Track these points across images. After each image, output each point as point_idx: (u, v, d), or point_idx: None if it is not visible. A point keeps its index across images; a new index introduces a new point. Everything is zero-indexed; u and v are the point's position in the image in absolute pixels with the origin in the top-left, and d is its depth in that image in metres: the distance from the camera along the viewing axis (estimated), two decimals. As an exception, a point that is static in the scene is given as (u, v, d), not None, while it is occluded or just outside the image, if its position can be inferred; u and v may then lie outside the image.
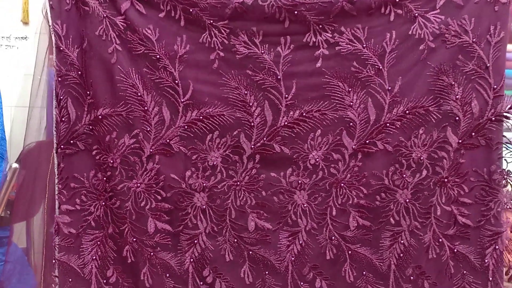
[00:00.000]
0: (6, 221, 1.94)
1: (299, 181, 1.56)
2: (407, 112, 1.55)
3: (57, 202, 1.54)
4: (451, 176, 1.57)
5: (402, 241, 1.56)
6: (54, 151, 1.55)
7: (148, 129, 1.53)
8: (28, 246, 2.17)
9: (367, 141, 1.56)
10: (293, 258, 1.56)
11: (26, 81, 2.34)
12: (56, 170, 1.55)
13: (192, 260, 1.55)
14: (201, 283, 1.55)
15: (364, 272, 1.57)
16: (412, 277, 1.57)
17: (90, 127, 1.55)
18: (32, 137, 2.07)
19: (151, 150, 1.53)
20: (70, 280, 1.53)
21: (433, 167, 1.56)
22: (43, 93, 2.42)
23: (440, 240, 1.57)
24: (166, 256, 1.55)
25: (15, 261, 2.00)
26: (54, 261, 1.52)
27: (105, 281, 1.55)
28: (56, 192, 1.55)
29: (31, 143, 1.96)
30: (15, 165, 1.86)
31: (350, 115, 1.55)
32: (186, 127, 1.54)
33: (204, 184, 1.54)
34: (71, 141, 1.55)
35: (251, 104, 1.54)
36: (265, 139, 1.55)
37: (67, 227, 1.55)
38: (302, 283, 1.56)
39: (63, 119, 1.55)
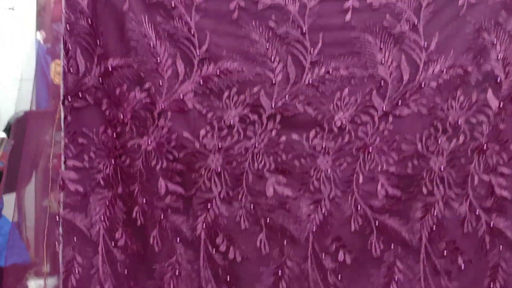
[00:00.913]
0: (-4, 191, 1.86)
1: (323, 145, 1.43)
2: (444, 71, 1.41)
3: (62, 157, 1.45)
4: (490, 142, 1.42)
5: (435, 213, 1.43)
6: (61, 103, 1.45)
7: (161, 83, 1.42)
8: (19, 220, 2.10)
9: (399, 103, 1.42)
10: (314, 228, 1.44)
11: (13, 52, 2.29)
12: (62, 123, 1.45)
13: (204, 226, 1.44)
14: (214, 250, 1.44)
15: (392, 246, 1.44)
16: (445, 252, 1.43)
17: (100, 79, 1.44)
18: (21, 107, 2.00)
19: (163, 105, 1.42)
20: (75, 239, 1.44)
21: (471, 132, 1.42)
22: (32, 64, 2.35)
23: (477, 212, 1.43)
24: (178, 220, 1.44)
25: (6, 234, 1.91)
26: (57, 218, 1.42)
27: (113, 243, 1.45)
28: (62, 147, 1.45)
29: (19, 112, 1.88)
30: (3, 134, 1.79)
31: (381, 73, 1.42)
32: (201, 82, 1.42)
33: (220, 145, 1.43)
34: (80, 94, 1.45)
35: (272, 59, 1.42)
36: (287, 97, 1.42)
37: (74, 184, 1.46)
38: (323, 255, 1.44)
39: (71, 70, 1.45)
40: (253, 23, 1.42)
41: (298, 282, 1.44)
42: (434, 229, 1.43)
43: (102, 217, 1.45)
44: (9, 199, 2.06)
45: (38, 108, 2.30)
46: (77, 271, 1.43)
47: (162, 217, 1.43)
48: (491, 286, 1.43)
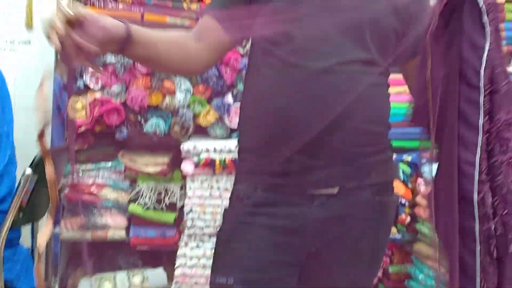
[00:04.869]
0: (19, 223, 2.01)
1: None
2: None
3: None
4: None
5: None
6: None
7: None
8: (33, 248, 2.30)
9: None
10: None
11: (28, 84, 2.29)
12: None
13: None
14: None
15: None
16: None
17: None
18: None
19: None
20: None
21: None
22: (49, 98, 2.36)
23: None
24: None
25: (23, 260, 2.10)
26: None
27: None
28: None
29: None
30: (29, 171, 1.90)
31: None
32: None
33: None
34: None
35: None
36: None
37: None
38: None
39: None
40: None
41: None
42: None
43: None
44: (24, 228, 2.24)
45: (53, 142, 2.34)
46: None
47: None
48: None
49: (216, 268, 1.18)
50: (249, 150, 1.18)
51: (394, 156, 1.23)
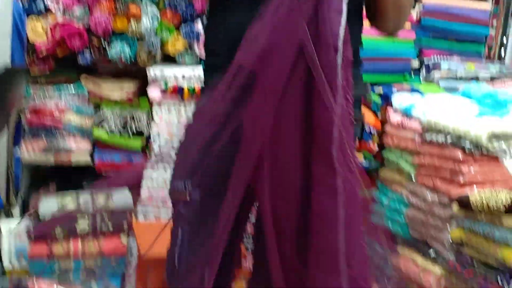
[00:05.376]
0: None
1: None
2: None
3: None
4: None
5: None
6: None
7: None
8: None
9: None
10: None
11: None
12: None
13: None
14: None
15: None
16: None
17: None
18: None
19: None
20: None
21: None
22: (8, 20, 2.28)
23: None
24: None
25: None
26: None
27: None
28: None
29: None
30: None
31: None
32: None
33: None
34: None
35: None
36: None
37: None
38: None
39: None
40: None
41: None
42: None
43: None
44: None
45: (13, 63, 2.24)
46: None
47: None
48: None
49: (175, 175, 1.22)
50: (212, 68, 1.22)
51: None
